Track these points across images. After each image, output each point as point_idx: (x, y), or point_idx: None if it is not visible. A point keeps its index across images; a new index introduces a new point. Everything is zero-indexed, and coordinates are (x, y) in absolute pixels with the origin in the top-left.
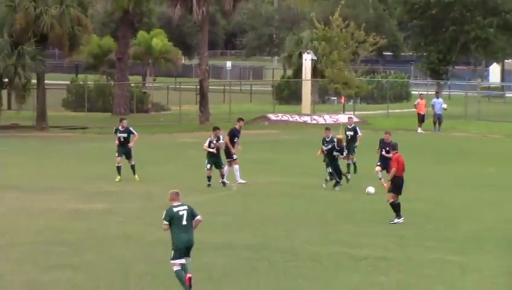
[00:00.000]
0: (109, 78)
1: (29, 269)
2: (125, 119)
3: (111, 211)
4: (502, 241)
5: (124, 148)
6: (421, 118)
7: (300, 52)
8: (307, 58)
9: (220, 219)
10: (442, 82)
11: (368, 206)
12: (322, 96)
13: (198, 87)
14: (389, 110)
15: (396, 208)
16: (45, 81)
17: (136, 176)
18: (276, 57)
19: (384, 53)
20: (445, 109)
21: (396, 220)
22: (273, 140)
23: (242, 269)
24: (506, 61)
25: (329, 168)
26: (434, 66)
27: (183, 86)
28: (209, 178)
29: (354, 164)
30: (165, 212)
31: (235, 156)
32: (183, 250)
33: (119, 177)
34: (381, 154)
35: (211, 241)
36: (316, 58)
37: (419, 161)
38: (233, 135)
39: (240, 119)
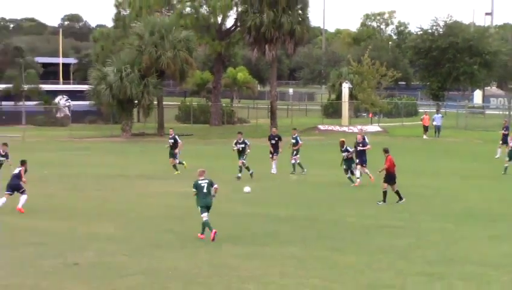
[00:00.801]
0: (207, 100)
1: (148, 234)
2: (172, 128)
3: None
4: (484, 215)
5: (171, 151)
6: (426, 128)
7: (341, 82)
8: (345, 87)
9: (281, 199)
10: (440, 103)
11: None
12: (355, 113)
13: (269, 106)
14: (403, 123)
15: (384, 194)
16: (163, 102)
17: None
18: (323, 86)
19: (399, 83)
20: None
21: (381, 203)
22: (321, 144)
23: (299, 235)
24: (486, 88)
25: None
26: (435, 92)
27: (259, 106)
28: (240, 168)
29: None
30: (193, 183)
31: (273, 155)
32: (204, 208)
33: (176, 172)
34: (356, 151)
35: (276, 214)
36: (351, 86)
37: (424, 158)
38: (269, 138)
39: (273, 127)
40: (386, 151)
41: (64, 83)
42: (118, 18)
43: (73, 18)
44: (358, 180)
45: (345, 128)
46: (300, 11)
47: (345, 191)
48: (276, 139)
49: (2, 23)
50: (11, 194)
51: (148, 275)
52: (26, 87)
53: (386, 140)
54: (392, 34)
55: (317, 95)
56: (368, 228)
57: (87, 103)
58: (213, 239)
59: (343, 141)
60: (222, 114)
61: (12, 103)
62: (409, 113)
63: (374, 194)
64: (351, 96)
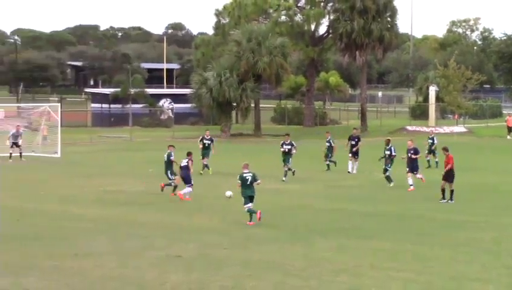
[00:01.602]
0: (301, 103)
1: (246, 228)
2: (208, 130)
3: (299, 190)
4: None
5: (206, 151)
6: (510, 129)
7: (428, 85)
8: (432, 90)
9: (365, 196)
10: None
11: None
12: (442, 114)
13: (359, 108)
14: (488, 124)
15: (443, 192)
16: (260, 105)
17: (210, 170)
18: (411, 89)
19: (484, 86)
20: None
21: (443, 201)
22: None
23: (387, 229)
24: None
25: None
26: None
27: (350, 108)
28: (286, 172)
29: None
30: (238, 176)
31: (354, 155)
32: (247, 199)
33: (210, 171)
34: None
35: (364, 210)
36: (438, 89)
37: (508, 157)
38: (349, 138)
39: (354, 128)
40: (446, 150)
41: (167, 87)
42: (218, 26)
43: (177, 26)
44: (411, 187)
45: (432, 129)
46: (389, 19)
47: (427, 189)
48: (356, 140)
49: (111, 31)
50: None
51: (246, 267)
52: (133, 91)
53: (471, 140)
54: (477, 40)
55: (405, 98)
56: (452, 222)
57: (189, 105)
58: (259, 219)
59: (389, 140)
60: (315, 116)
61: (120, 105)
62: (493, 114)
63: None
64: (438, 98)
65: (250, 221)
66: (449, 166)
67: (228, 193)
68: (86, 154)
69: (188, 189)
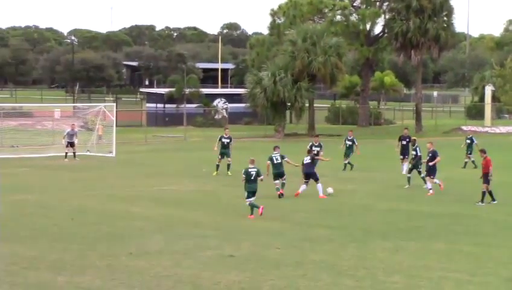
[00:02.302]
0: (356, 102)
1: (300, 227)
2: (228, 128)
3: (355, 190)
4: None
5: (226, 150)
6: None
7: (484, 85)
8: (488, 89)
9: (419, 197)
10: None
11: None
12: (498, 114)
13: (414, 108)
14: None
15: (483, 194)
16: (314, 105)
17: (229, 172)
18: (467, 88)
19: None
20: None
21: (480, 204)
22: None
23: (443, 230)
24: None
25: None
26: None
27: (405, 107)
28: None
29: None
30: (243, 171)
31: (404, 156)
32: (250, 193)
33: (215, 173)
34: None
35: (420, 210)
36: (494, 89)
37: None
38: (400, 139)
39: (405, 128)
40: (483, 152)
41: (222, 87)
42: (273, 26)
43: (232, 26)
44: (430, 191)
45: (488, 129)
46: (445, 18)
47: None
48: (408, 140)
49: (166, 32)
50: (307, 182)
51: (298, 267)
52: (187, 91)
53: None
54: None
55: (460, 98)
56: (510, 223)
57: (243, 105)
58: (261, 214)
59: (415, 139)
60: (369, 115)
61: (174, 105)
62: None
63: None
64: (494, 98)
65: (251, 214)
66: (488, 169)
67: (330, 190)
68: (141, 153)
69: (303, 187)
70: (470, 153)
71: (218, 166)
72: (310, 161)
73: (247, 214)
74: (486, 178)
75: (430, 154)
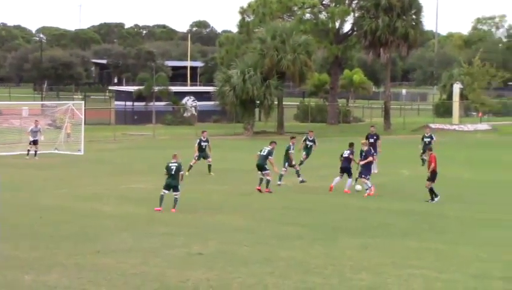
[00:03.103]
0: (325, 100)
1: (269, 225)
2: (205, 131)
3: (323, 187)
4: None
5: (203, 153)
6: None
7: (452, 83)
8: (456, 87)
9: (389, 194)
10: None
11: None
12: (466, 112)
13: (383, 106)
14: None
15: (431, 192)
16: (283, 103)
17: (212, 173)
18: (435, 86)
19: (508, 83)
20: None
21: (431, 201)
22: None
23: (411, 227)
24: None
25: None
26: None
27: (374, 105)
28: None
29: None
30: (166, 165)
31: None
32: (166, 186)
33: (187, 173)
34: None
35: (389, 208)
36: (462, 87)
37: None
38: (367, 137)
39: (371, 125)
40: (430, 149)
41: (191, 85)
42: (242, 24)
43: (201, 24)
44: (367, 191)
45: (455, 127)
46: (414, 16)
47: (451, 188)
48: (375, 138)
49: (135, 29)
50: (342, 175)
51: (266, 265)
52: (156, 88)
53: (495, 138)
54: (502, 37)
55: (429, 96)
56: (477, 221)
57: (212, 103)
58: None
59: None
60: (338, 113)
61: (143, 103)
62: None
63: (481, 189)
64: (462, 96)
65: (160, 207)
66: (432, 165)
67: (358, 187)
68: (109, 152)
69: (349, 182)
70: (425, 151)
71: (191, 166)
72: (347, 155)
73: (215, 212)
74: (432, 176)
75: (364, 154)
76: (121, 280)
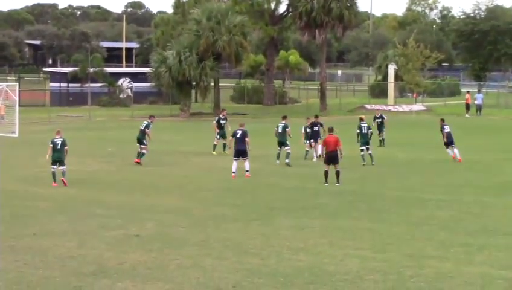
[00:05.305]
0: (261, 81)
1: (205, 207)
2: (225, 109)
3: (258, 169)
4: None
5: (222, 131)
6: (468, 107)
7: (387, 64)
8: (391, 68)
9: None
10: (482, 83)
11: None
12: (401, 93)
13: (319, 87)
14: (446, 102)
15: (325, 174)
16: (219, 84)
17: (226, 151)
18: (370, 68)
19: (443, 64)
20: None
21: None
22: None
23: (346, 208)
24: None
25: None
26: (477, 73)
27: (309, 86)
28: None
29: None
30: (50, 141)
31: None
32: (55, 161)
33: (214, 152)
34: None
35: (325, 189)
36: (397, 68)
37: (466, 135)
38: (312, 125)
39: (315, 115)
40: (330, 130)
41: (127, 66)
42: (177, 5)
43: (136, 5)
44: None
45: (391, 108)
46: None
47: (387, 167)
48: (319, 125)
49: (69, 10)
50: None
51: (203, 246)
52: (91, 70)
53: (429, 118)
54: (436, 18)
55: (364, 77)
56: (412, 200)
57: (148, 84)
58: (65, 184)
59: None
60: (275, 94)
61: (78, 85)
62: (452, 93)
63: (417, 169)
64: (397, 77)
65: (54, 182)
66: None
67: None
68: (44, 133)
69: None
70: (382, 131)
71: (215, 145)
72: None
73: (152, 194)
74: (331, 158)
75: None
76: (58, 262)
